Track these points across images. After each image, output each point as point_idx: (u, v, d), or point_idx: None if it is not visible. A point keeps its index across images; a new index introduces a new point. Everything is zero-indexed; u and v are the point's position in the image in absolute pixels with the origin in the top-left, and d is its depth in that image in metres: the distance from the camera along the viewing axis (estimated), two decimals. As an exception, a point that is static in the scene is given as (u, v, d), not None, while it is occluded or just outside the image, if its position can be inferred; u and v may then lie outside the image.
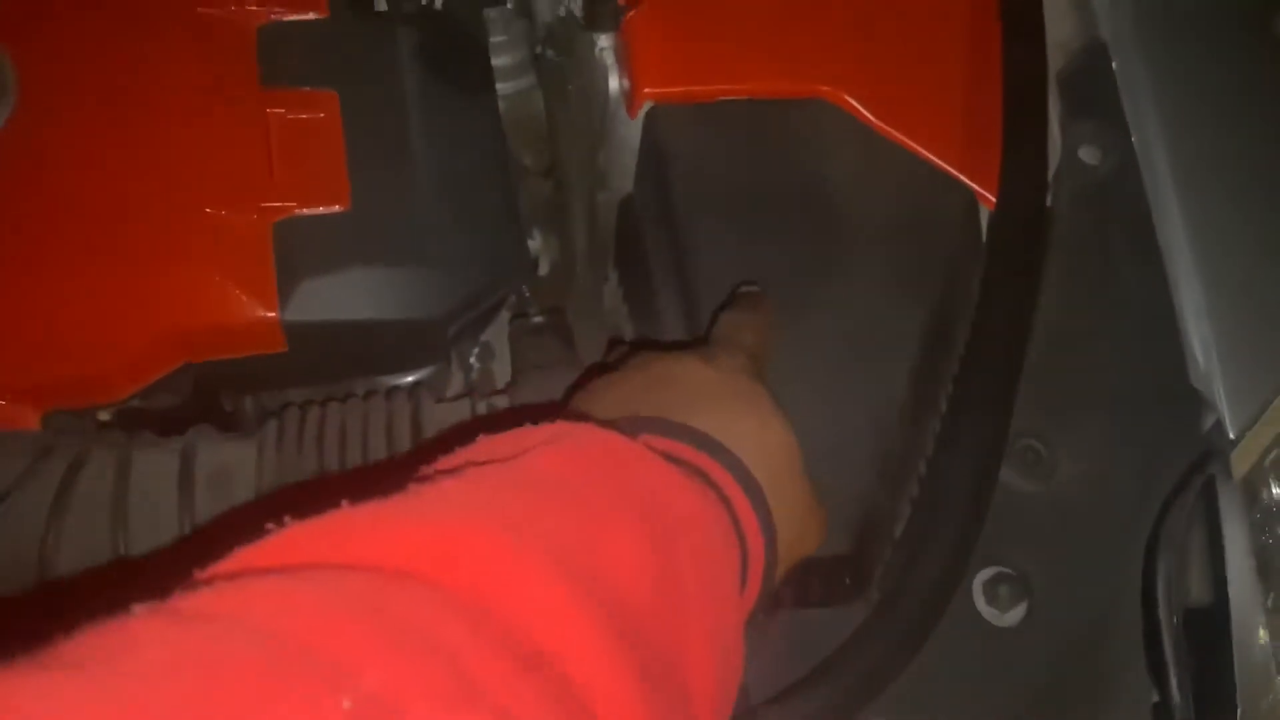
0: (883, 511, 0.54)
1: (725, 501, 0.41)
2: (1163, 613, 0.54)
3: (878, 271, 0.59)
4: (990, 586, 0.54)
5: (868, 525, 0.54)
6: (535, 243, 0.72)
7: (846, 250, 0.60)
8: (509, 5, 0.76)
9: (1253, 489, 0.56)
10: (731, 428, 0.43)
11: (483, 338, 0.67)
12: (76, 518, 0.51)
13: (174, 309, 0.54)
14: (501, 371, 0.67)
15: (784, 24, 0.63)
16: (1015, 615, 0.54)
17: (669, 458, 0.39)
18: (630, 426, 0.41)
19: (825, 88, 0.63)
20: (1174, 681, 0.53)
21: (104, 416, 0.56)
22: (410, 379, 0.63)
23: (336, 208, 0.57)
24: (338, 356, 0.58)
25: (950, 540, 0.53)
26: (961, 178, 0.62)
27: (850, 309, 0.58)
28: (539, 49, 0.71)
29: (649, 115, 0.62)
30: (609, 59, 0.65)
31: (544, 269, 0.73)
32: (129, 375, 0.54)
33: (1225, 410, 0.57)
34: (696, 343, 0.52)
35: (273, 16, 0.61)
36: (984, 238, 0.62)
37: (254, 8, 0.61)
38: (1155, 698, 0.54)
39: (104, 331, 0.53)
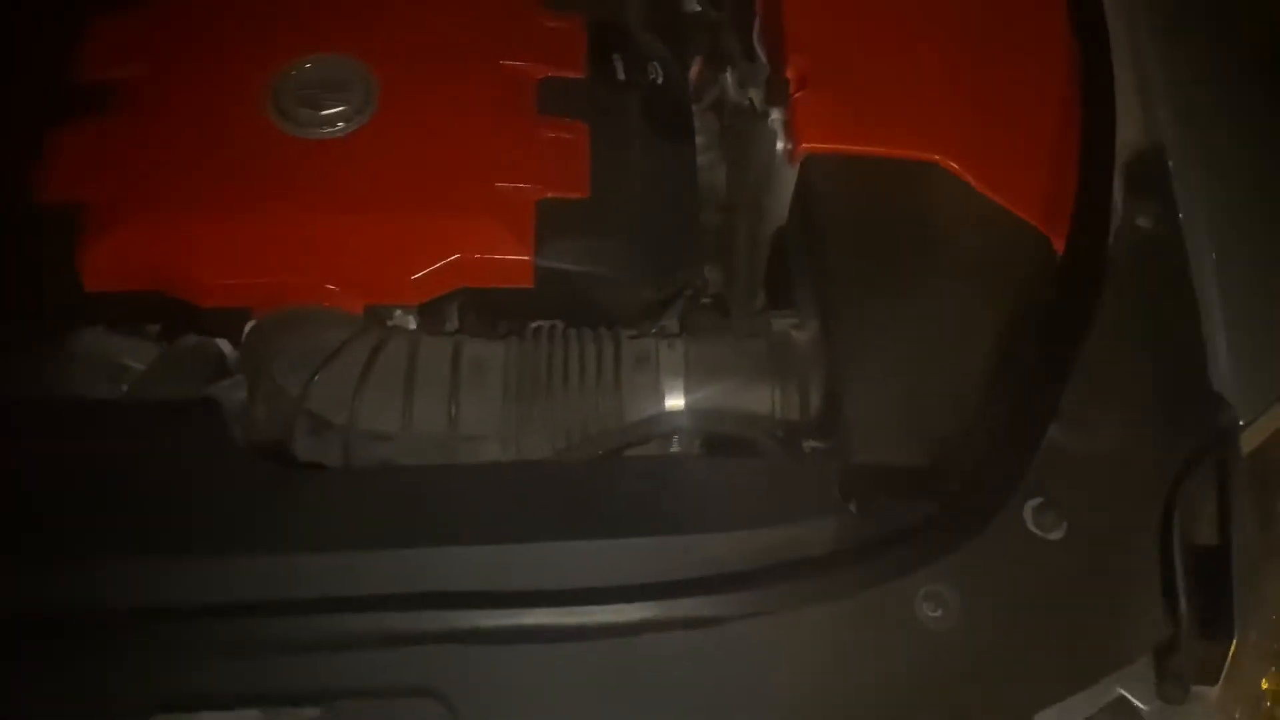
0: (956, 443, 0.72)
1: None
2: (1177, 546, 0.69)
3: (967, 287, 0.79)
4: (1038, 511, 0.70)
5: (944, 451, 0.71)
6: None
7: (945, 270, 0.80)
8: (705, 105, 1.03)
9: (1258, 463, 0.72)
10: None
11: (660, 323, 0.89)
12: (380, 372, 0.74)
13: (467, 244, 0.78)
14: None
15: (913, 105, 0.85)
16: (1057, 534, 0.70)
17: None
18: None
19: (939, 155, 0.84)
20: (1183, 603, 0.68)
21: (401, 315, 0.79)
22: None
23: (579, 196, 0.81)
24: (564, 298, 0.81)
25: (1003, 470, 0.70)
26: (1039, 228, 0.82)
27: (945, 307, 0.77)
28: (726, 122, 0.96)
29: (804, 163, 0.85)
30: (778, 127, 0.89)
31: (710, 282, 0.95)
32: (427, 286, 0.78)
33: (1239, 403, 0.73)
34: None
35: (549, 73, 0.87)
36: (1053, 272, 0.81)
37: (536, 65, 0.87)
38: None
39: (416, 253, 0.77)
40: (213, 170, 0.79)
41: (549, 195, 0.81)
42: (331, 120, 0.81)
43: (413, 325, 0.80)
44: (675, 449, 0.77)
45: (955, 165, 0.84)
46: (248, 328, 0.78)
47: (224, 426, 0.74)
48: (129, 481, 0.68)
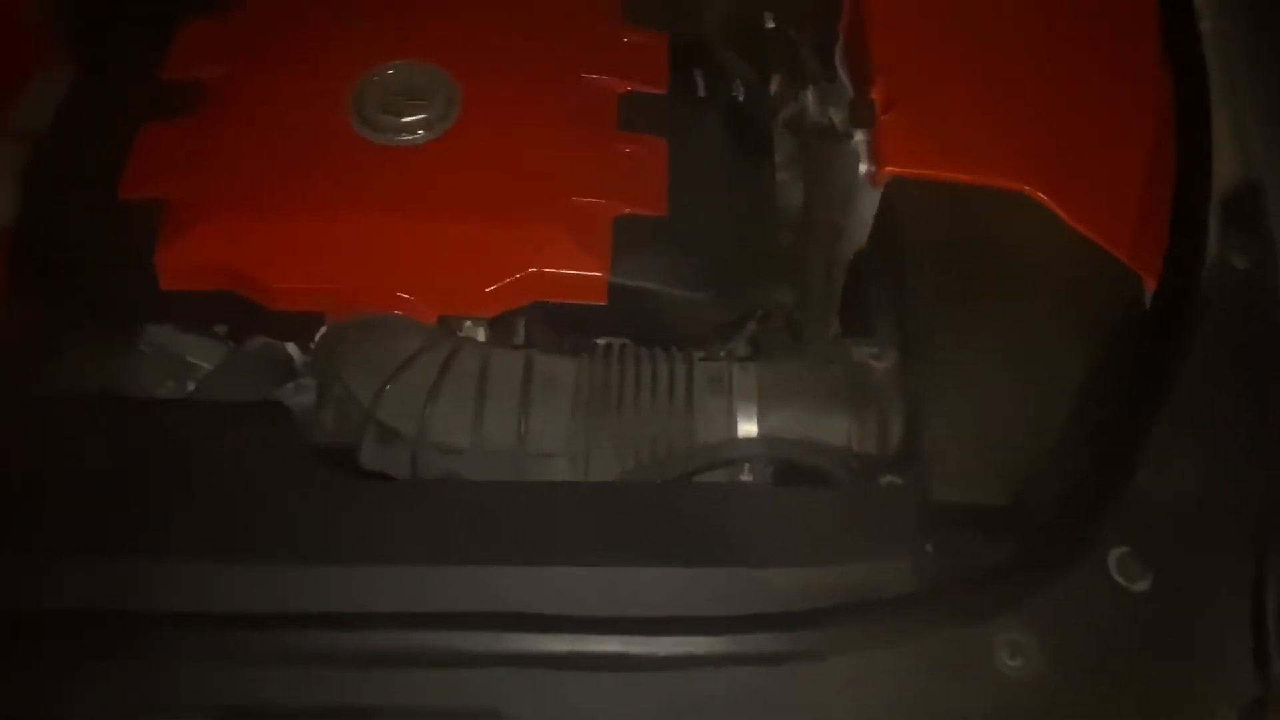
0: (1039, 484, 0.70)
1: None
2: (1270, 603, 0.66)
3: (1053, 322, 0.76)
4: (1122, 560, 0.68)
5: (1026, 491, 0.69)
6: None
7: (1030, 303, 0.77)
8: (782, 120, 1.01)
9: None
10: None
11: (730, 345, 0.88)
12: (451, 385, 0.73)
13: (541, 258, 0.77)
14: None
15: (1002, 131, 0.83)
16: (1142, 585, 0.67)
17: None
18: None
19: (1027, 185, 0.82)
20: (1276, 664, 0.65)
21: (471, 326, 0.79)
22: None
23: (657, 213, 0.80)
24: (637, 316, 0.79)
25: (1086, 515, 0.67)
26: (1130, 264, 0.79)
27: (1030, 342, 0.75)
28: (807, 142, 0.94)
29: (888, 186, 0.83)
30: (861, 149, 0.87)
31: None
32: (499, 299, 0.77)
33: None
34: None
35: (631, 88, 0.86)
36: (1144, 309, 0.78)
37: (617, 79, 0.86)
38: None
39: (490, 265, 0.77)
40: (291, 174, 0.79)
41: (626, 211, 0.79)
42: (411, 128, 0.81)
43: (482, 337, 0.79)
44: (746, 475, 0.75)
45: (1044, 195, 0.82)
46: (320, 332, 0.77)
47: (292, 431, 0.75)
48: (195, 482, 0.68)
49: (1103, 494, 0.68)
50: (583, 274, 0.77)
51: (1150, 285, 0.79)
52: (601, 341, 0.78)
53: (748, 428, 0.73)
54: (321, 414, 0.76)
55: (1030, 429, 0.71)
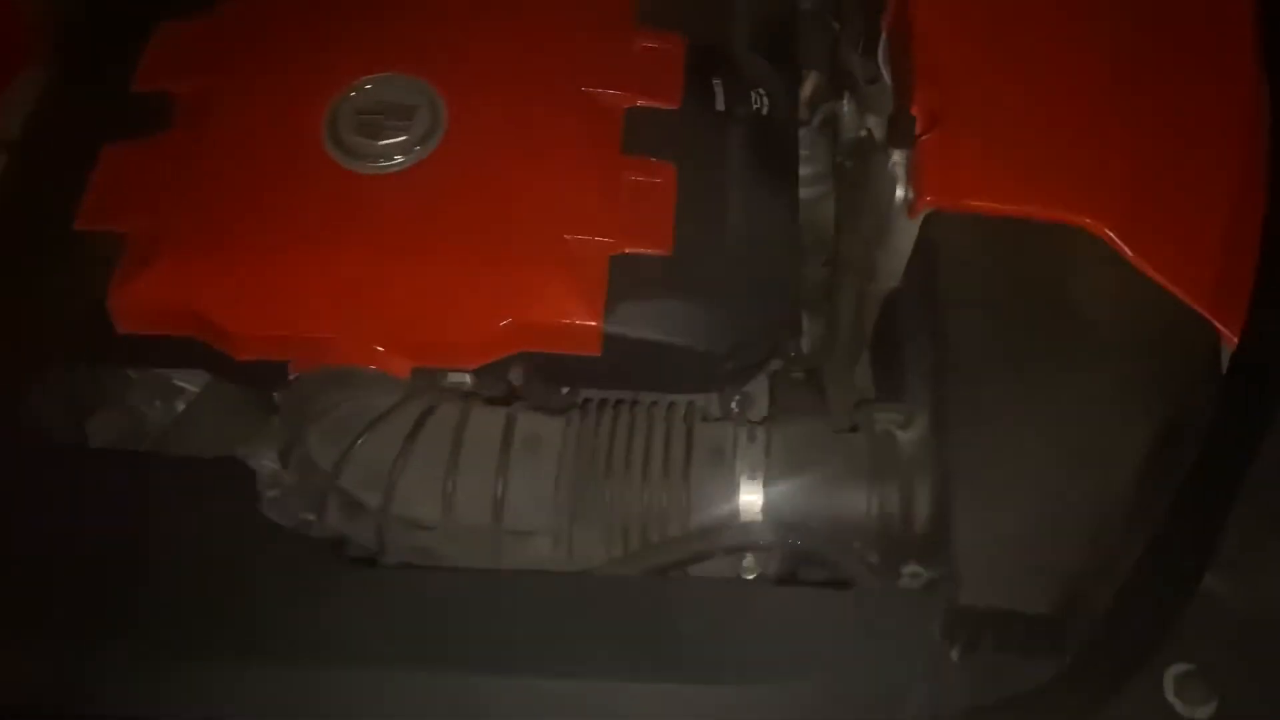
0: (1089, 587, 0.60)
1: None
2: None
3: (1113, 388, 0.66)
4: (1182, 680, 0.58)
5: (1073, 596, 0.59)
6: (804, 323, 0.83)
7: (1087, 364, 0.67)
8: (815, 125, 0.90)
9: None
10: None
11: (745, 389, 0.78)
12: (421, 450, 0.66)
13: (526, 305, 0.68)
14: (755, 419, 0.78)
15: (1061, 155, 0.72)
16: (1205, 712, 0.58)
17: None
18: None
19: (1089, 220, 0.71)
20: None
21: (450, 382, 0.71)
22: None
23: (660, 252, 0.71)
24: (635, 368, 0.71)
25: (1144, 627, 0.58)
26: (1207, 316, 0.68)
27: (1085, 413, 0.65)
28: (839, 159, 0.84)
29: (927, 219, 0.72)
30: (899, 172, 0.76)
31: (806, 347, 0.83)
32: (480, 351, 0.69)
33: None
34: None
35: (639, 102, 0.77)
36: (1222, 372, 0.67)
37: (623, 93, 0.77)
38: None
39: (470, 313, 0.69)
40: (256, 208, 0.71)
41: (625, 250, 0.70)
42: (389, 152, 0.72)
43: (468, 383, 0.71)
44: (749, 561, 0.66)
45: (1108, 232, 0.71)
46: (287, 383, 0.70)
47: (251, 498, 0.68)
48: (147, 561, 0.62)
49: (1163, 599, 0.59)
50: (573, 323, 0.68)
51: (1230, 341, 0.68)
52: (596, 399, 0.70)
53: (751, 503, 0.64)
54: (288, 472, 0.70)
55: (1081, 521, 0.61)
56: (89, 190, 0.73)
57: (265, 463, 0.70)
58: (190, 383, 0.82)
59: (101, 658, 0.57)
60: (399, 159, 0.72)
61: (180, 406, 0.83)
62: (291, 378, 0.70)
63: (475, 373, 0.71)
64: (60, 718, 0.56)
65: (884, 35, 0.87)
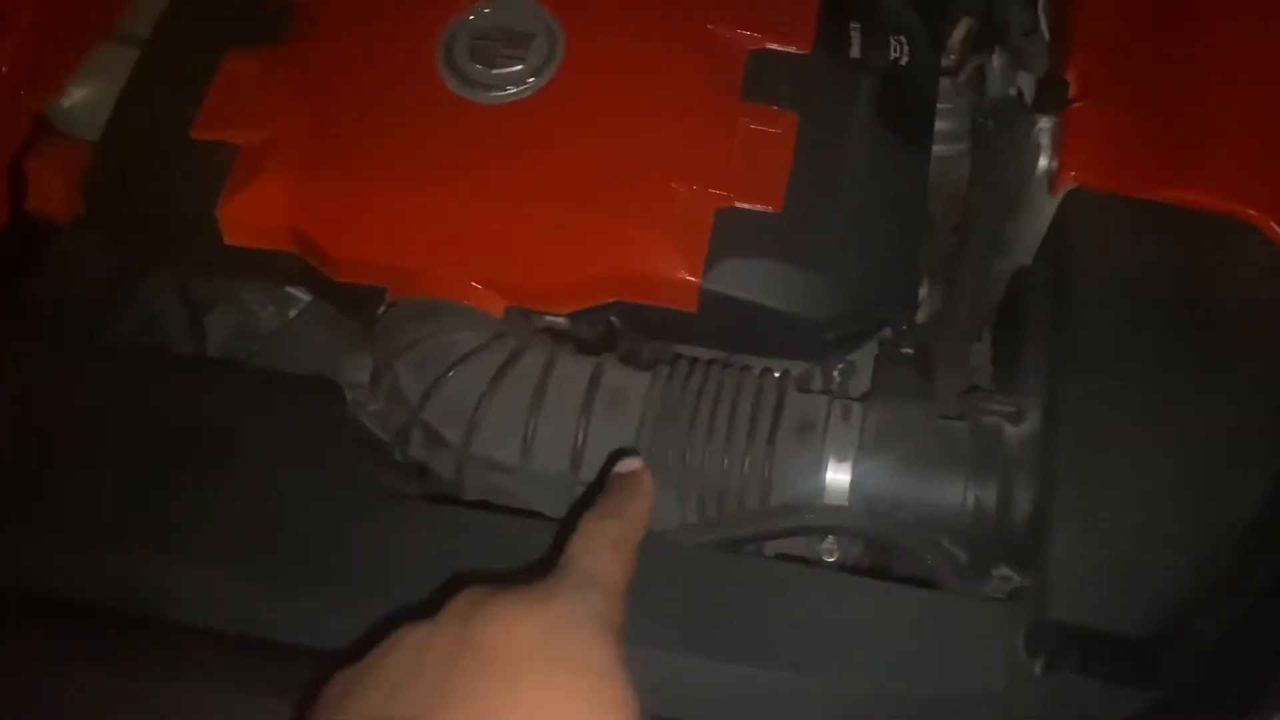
0: (1191, 619, 0.55)
1: None
2: None
3: (1256, 407, 0.60)
4: (1288, 731, 0.53)
5: (1172, 626, 0.55)
6: (923, 290, 0.78)
7: (1229, 377, 0.60)
8: (961, 79, 0.84)
9: None
10: (549, 712, 0.39)
11: (850, 357, 0.75)
12: (506, 392, 0.65)
13: (625, 254, 0.66)
14: (857, 391, 0.74)
15: (1224, 139, 0.65)
16: (1309, 768, 0.53)
17: None
18: None
19: (1252, 210, 0.64)
20: None
21: (545, 322, 0.69)
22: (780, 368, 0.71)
23: (769, 209, 0.67)
24: (731, 329, 0.68)
25: (1254, 671, 0.53)
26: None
27: (1218, 431, 0.59)
28: (980, 119, 0.77)
29: (1068, 196, 0.66)
30: (1044, 139, 0.70)
31: (922, 317, 0.79)
32: (576, 295, 0.67)
33: None
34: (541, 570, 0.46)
35: (765, 44, 0.72)
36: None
37: (751, 33, 0.72)
38: None
39: (569, 257, 0.67)
40: (363, 129, 0.70)
41: (734, 204, 0.67)
42: (502, 82, 0.70)
43: (562, 324, 0.70)
44: (828, 543, 0.64)
45: (1274, 225, 0.64)
46: (381, 309, 0.70)
47: (341, 419, 0.69)
48: (231, 474, 0.63)
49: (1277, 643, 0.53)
50: (673, 276, 0.65)
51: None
52: (685, 358, 0.67)
53: (837, 488, 0.61)
54: (376, 398, 0.70)
55: (1198, 544, 0.56)
56: (208, 100, 0.73)
57: (354, 381, 0.70)
58: (302, 291, 0.83)
59: (167, 562, 0.59)
60: (511, 90, 0.70)
61: (292, 314, 0.84)
62: (386, 305, 0.69)
63: (569, 316, 0.69)
64: (123, 615, 0.58)
65: (1046, -13, 0.80)
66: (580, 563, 0.46)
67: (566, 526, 0.49)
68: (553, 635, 0.41)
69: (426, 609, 0.44)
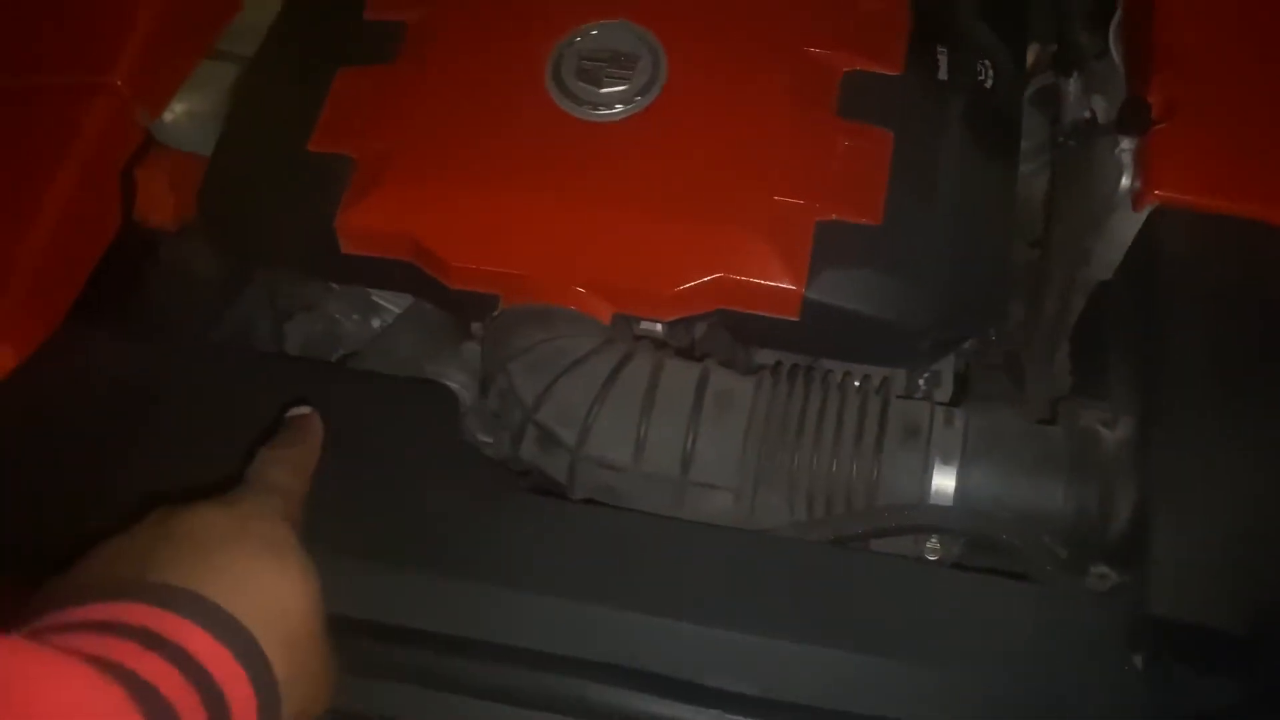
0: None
1: (185, 664, 0.39)
2: None
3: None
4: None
5: (1269, 616, 0.57)
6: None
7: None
8: (1028, 97, 0.87)
9: None
10: (240, 583, 0.42)
11: (935, 366, 0.77)
12: (618, 395, 0.68)
13: (730, 263, 0.69)
14: (941, 398, 0.77)
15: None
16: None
17: (115, 629, 0.38)
18: (63, 599, 0.40)
19: (1337, 228, 0.67)
20: None
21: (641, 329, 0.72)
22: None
23: (869, 221, 0.70)
24: (830, 337, 0.71)
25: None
26: None
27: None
28: (1061, 139, 0.81)
29: (1153, 214, 0.69)
30: (1126, 159, 0.73)
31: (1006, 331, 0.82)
32: (680, 304, 0.70)
33: None
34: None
35: (858, 66, 0.75)
36: None
37: (845, 54, 0.76)
38: None
39: (675, 266, 0.70)
40: (479, 143, 0.73)
41: (833, 217, 0.70)
42: (609, 100, 0.73)
43: (659, 331, 0.73)
44: (933, 542, 0.66)
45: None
46: (493, 315, 0.73)
47: (454, 420, 0.71)
48: (342, 468, 0.65)
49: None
50: (775, 285, 0.69)
51: None
52: (789, 364, 0.70)
53: (943, 490, 0.64)
54: (487, 401, 0.73)
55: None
56: (324, 113, 0.77)
57: (453, 384, 0.73)
58: (388, 301, 0.86)
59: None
60: (619, 108, 0.73)
61: (376, 323, 0.87)
62: (498, 311, 0.72)
63: (668, 324, 0.72)
64: None
65: (1119, 10, 0.83)
66: (262, 477, 0.52)
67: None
68: (242, 522, 0.46)
69: None
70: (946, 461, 0.64)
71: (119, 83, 0.79)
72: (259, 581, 0.44)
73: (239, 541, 0.45)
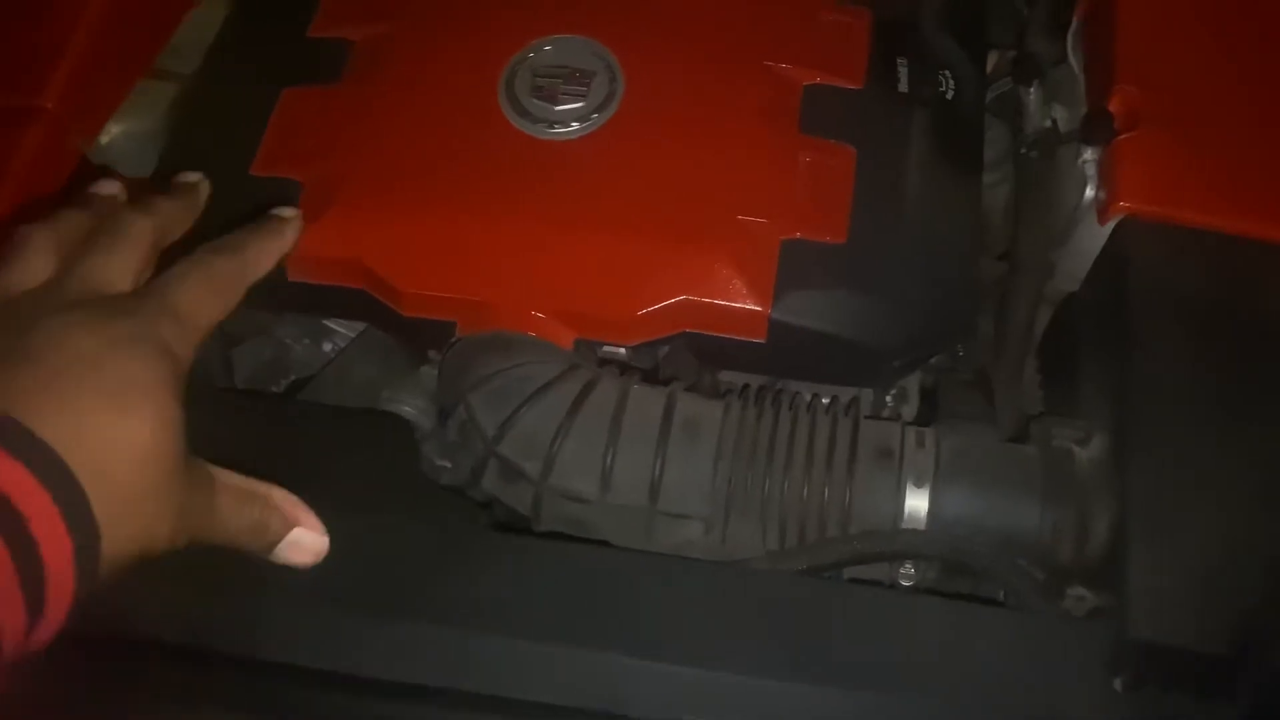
0: (1270, 630, 0.57)
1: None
2: None
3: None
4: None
5: (1250, 640, 0.56)
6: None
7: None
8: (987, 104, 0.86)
9: None
10: (78, 422, 0.41)
11: (901, 382, 0.76)
12: (583, 424, 0.65)
13: (694, 285, 0.67)
14: (908, 415, 0.76)
15: (1276, 169, 0.67)
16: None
17: None
18: None
19: (1305, 239, 0.66)
20: None
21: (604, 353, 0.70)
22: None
23: (834, 240, 0.68)
24: (797, 357, 0.69)
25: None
26: None
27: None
28: (1023, 149, 0.80)
29: (1119, 226, 0.69)
30: (1090, 170, 0.72)
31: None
32: (644, 327, 0.68)
33: None
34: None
35: (819, 79, 0.74)
36: None
37: (805, 69, 0.74)
38: None
39: (638, 289, 0.68)
40: (428, 165, 0.71)
41: (797, 235, 0.68)
42: (565, 118, 0.71)
43: (622, 354, 0.71)
44: (908, 568, 0.65)
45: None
46: (450, 343, 0.70)
47: (411, 452, 0.69)
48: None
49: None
50: (742, 307, 0.67)
51: None
52: (756, 386, 0.68)
53: (917, 513, 0.63)
54: (446, 432, 0.70)
55: (1268, 562, 0.58)
56: (267, 136, 0.74)
57: (408, 410, 0.71)
58: (341, 325, 0.83)
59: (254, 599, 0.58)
60: (575, 125, 0.71)
61: (328, 347, 0.84)
62: (454, 339, 0.70)
63: (632, 347, 0.70)
64: (198, 654, 0.57)
65: (1076, 20, 0.82)
66: (167, 291, 0.48)
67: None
68: (106, 349, 0.43)
69: None
70: (919, 484, 0.63)
71: (50, 106, 0.76)
72: (97, 422, 0.41)
73: (95, 371, 0.42)
